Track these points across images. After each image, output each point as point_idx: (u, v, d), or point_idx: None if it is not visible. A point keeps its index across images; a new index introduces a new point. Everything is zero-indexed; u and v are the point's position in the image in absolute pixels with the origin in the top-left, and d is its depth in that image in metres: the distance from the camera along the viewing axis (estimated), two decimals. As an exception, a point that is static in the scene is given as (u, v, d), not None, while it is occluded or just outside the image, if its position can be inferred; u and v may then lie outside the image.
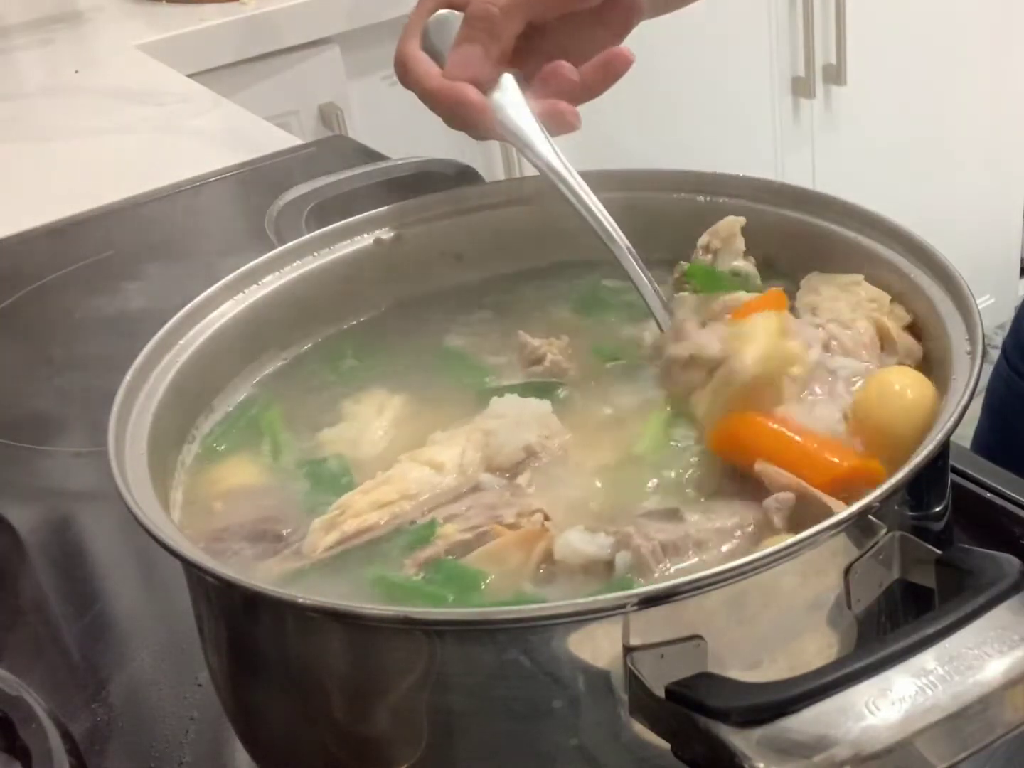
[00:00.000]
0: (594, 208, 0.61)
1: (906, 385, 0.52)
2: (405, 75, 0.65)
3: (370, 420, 0.59)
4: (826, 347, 0.57)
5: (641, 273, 0.60)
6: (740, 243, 0.62)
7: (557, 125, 0.63)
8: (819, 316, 0.59)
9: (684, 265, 0.63)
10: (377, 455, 0.57)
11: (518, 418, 0.56)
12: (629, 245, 0.60)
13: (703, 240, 0.63)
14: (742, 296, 0.60)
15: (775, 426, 0.51)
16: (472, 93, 0.62)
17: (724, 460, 0.52)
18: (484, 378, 0.62)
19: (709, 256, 0.63)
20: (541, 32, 0.66)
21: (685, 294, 0.62)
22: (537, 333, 0.62)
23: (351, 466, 0.56)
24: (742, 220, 0.62)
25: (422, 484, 0.53)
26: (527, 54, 0.65)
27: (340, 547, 0.51)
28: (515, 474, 0.54)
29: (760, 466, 0.49)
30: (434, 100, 0.64)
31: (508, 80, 0.64)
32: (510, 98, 0.63)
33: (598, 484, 0.53)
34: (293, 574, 0.50)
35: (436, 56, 0.65)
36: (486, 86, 0.63)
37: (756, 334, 0.53)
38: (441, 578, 0.49)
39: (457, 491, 0.53)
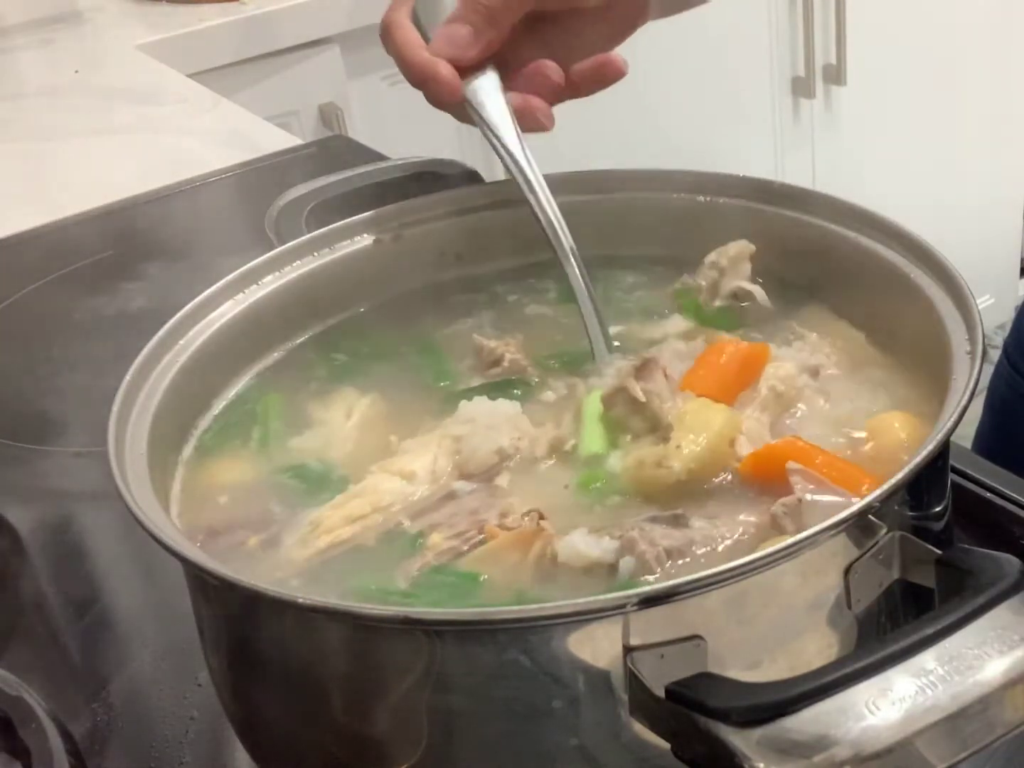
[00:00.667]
0: (547, 207, 0.61)
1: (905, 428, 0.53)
2: (387, 41, 0.65)
3: (339, 425, 0.59)
4: (815, 373, 0.57)
5: (582, 281, 0.61)
6: (747, 268, 0.63)
7: (529, 122, 0.63)
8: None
9: (686, 280, 0.63)
10: (347, 460, 0.57)
11: (488, 421, 0.55)
12: (574, 247, 0.61)
13: (711, 257, 0.63)
14: (724, 336, 0.60)
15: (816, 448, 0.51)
16: (444, 71, 0.62)
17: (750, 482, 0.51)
18: (459, 381, 0.62)
19: (715, 273, 0.63)
20: (542, 21, 0.66)
21: (677, 315, 0.62)
22: (506, 334, 0.63)
23: (331, 471, 0.56)
24: (752, 247, 0.62)
25: (395, 495, 0.53)
26: (524, 42, 0.65)
27: (313, 561, 0.51)
28: (491, 477, 0.54)
29: (791, 465, 0.49)
30: (409, 71, 0.64)
31: (491, 70, 0.64)
32: (488, 85, 0.64)
33: (575, 481, 0.53)
34: (290, 580, 0.50)
35: (423, 28, 0.65)
36: (468, 69, 0.63)
37: (699, 430, 0.52)
38: (436, 585, 0.49)
39: (430, 500, 0.53)
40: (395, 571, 0.50)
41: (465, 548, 0.50)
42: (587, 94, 0.66)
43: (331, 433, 0.59)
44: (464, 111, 0.64)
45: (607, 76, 0.65)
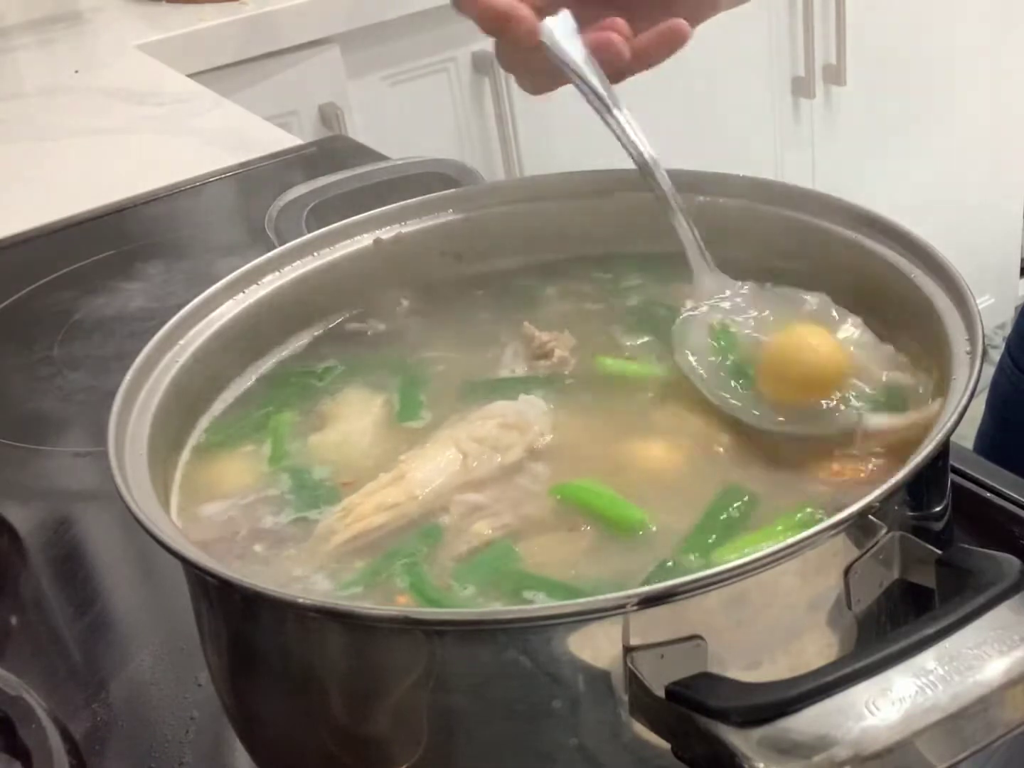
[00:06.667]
0: (635, 138, 0.61)
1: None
2: None
3: (359, 421, 0.59)
4: None
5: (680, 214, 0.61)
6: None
7: (606, 54, 0.63)
8: None
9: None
10: (368, 456, 0.57)
11: (518, 417, 0.56)
12: (669, 184, 0.61)
13: None
14: None
15: None
16: (524, 11, 0.63)
17: None
18: (475, 380, 0.62)
19: None
20: None
21: None
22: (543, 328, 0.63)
23: (341, 471, 0.56)
24: None
25: (427, 485, 0.53)
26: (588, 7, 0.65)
27: (346, 547, 0.51)
28: (527, 470, 0.54)
29: None
30: (487, 14, 0.63)
31: (565, 12, 0.64)
32: (564, 27, 0.64)
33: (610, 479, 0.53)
34: (299, 577, 0.50)
35: None
36: (542, 12, 0.63)
37: None
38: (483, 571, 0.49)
39: (465, 489, 0.53)
40: (432, 555, 0.50)
41: (508, 539, 0.50)
42: (651, 64, 0.66)
43: (348, 431, 0.59)
44: (536, 62, 0.64)
45: (674, 41, 0.65)
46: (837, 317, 0.58)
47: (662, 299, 0.65)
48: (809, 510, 0.49)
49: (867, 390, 0.54)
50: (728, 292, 0.60)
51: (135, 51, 1.61)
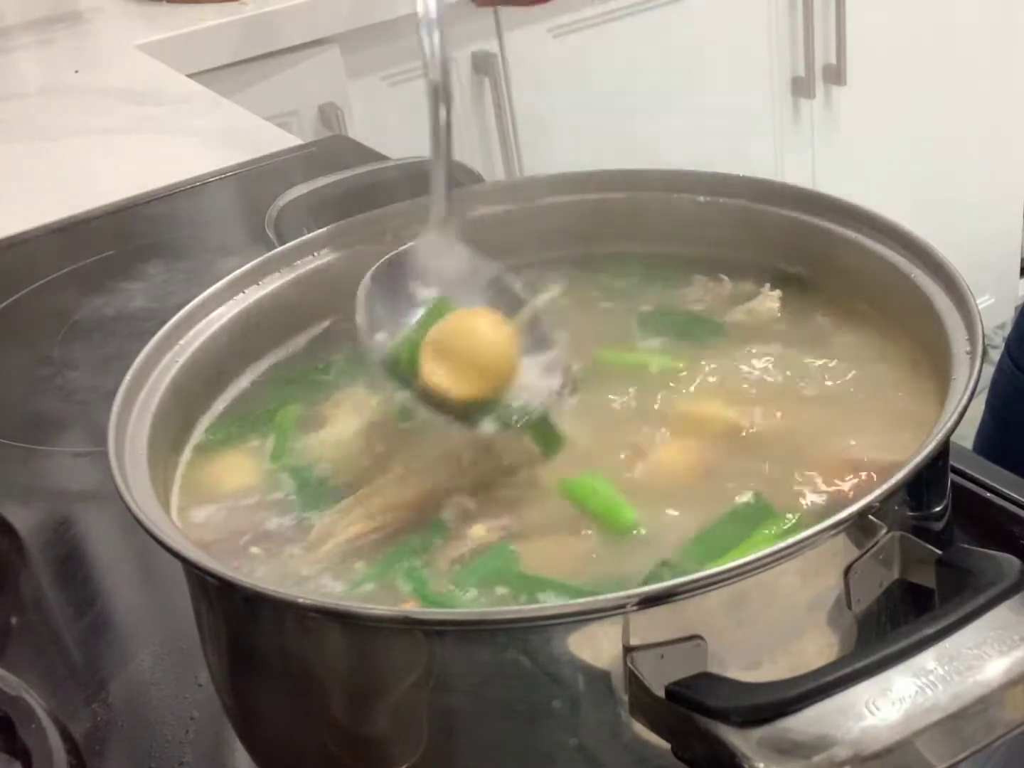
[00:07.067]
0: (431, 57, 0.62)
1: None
2: None
3: (359, 421, 0.59)
4: None
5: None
6: None
7: None
8: None
9: None
10: (368, 456, 0.57)
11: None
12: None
13: None
14: None
15: None
16: None
17: None
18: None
19: None
20: None
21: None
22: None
23: (341, 471, 0.56)
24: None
25: (424, 486, 0.53)
26: None
27: (343, 549, 0.51)
28: (523, 472, 0.54)
29: None
30: None
31: None
32: None
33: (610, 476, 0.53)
34: (299, 578, 0.50)
35: None
36: None
37: None
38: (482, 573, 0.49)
39: (463, 492, 0.53)
40: (432, 559, 0.50)
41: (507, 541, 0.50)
42: None
43: (348, 430, 0.59)
44: None
45: None
46: (540, 326, 0.56)
47: (663, 297, 0.65)
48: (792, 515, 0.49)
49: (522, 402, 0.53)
50: (445, 261, 0.59)
51: (135, 51, 1.61)
